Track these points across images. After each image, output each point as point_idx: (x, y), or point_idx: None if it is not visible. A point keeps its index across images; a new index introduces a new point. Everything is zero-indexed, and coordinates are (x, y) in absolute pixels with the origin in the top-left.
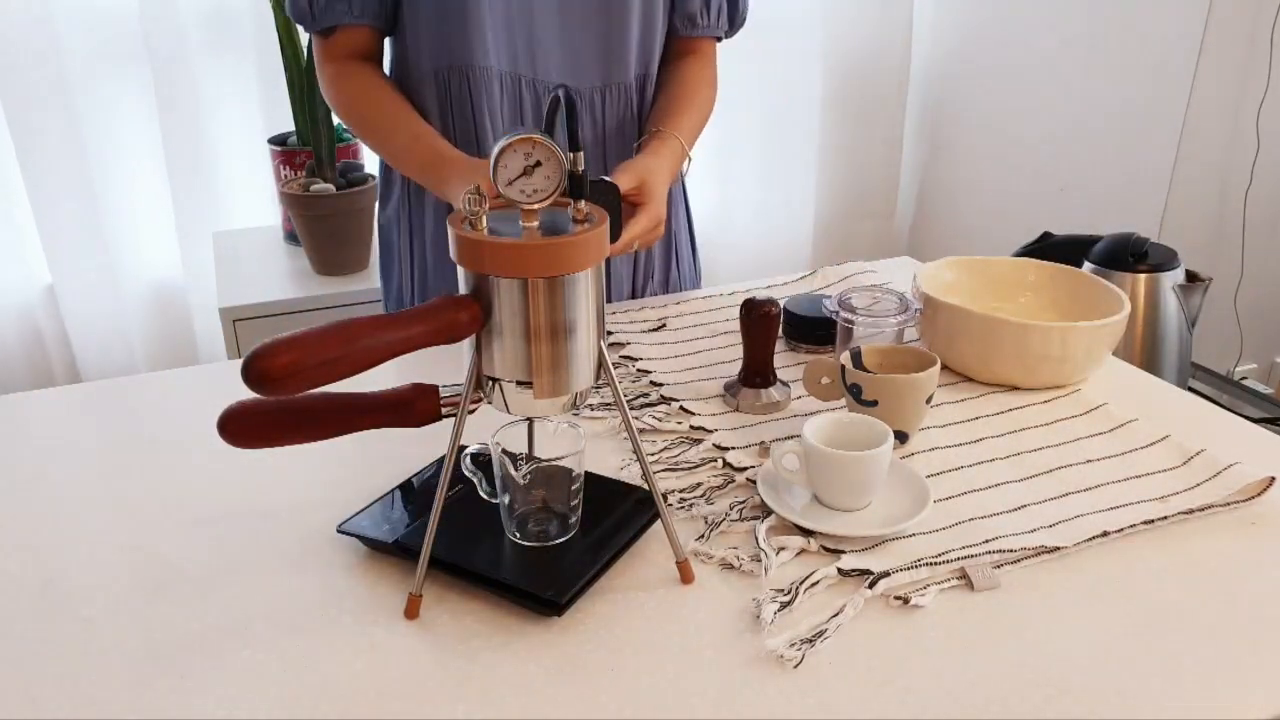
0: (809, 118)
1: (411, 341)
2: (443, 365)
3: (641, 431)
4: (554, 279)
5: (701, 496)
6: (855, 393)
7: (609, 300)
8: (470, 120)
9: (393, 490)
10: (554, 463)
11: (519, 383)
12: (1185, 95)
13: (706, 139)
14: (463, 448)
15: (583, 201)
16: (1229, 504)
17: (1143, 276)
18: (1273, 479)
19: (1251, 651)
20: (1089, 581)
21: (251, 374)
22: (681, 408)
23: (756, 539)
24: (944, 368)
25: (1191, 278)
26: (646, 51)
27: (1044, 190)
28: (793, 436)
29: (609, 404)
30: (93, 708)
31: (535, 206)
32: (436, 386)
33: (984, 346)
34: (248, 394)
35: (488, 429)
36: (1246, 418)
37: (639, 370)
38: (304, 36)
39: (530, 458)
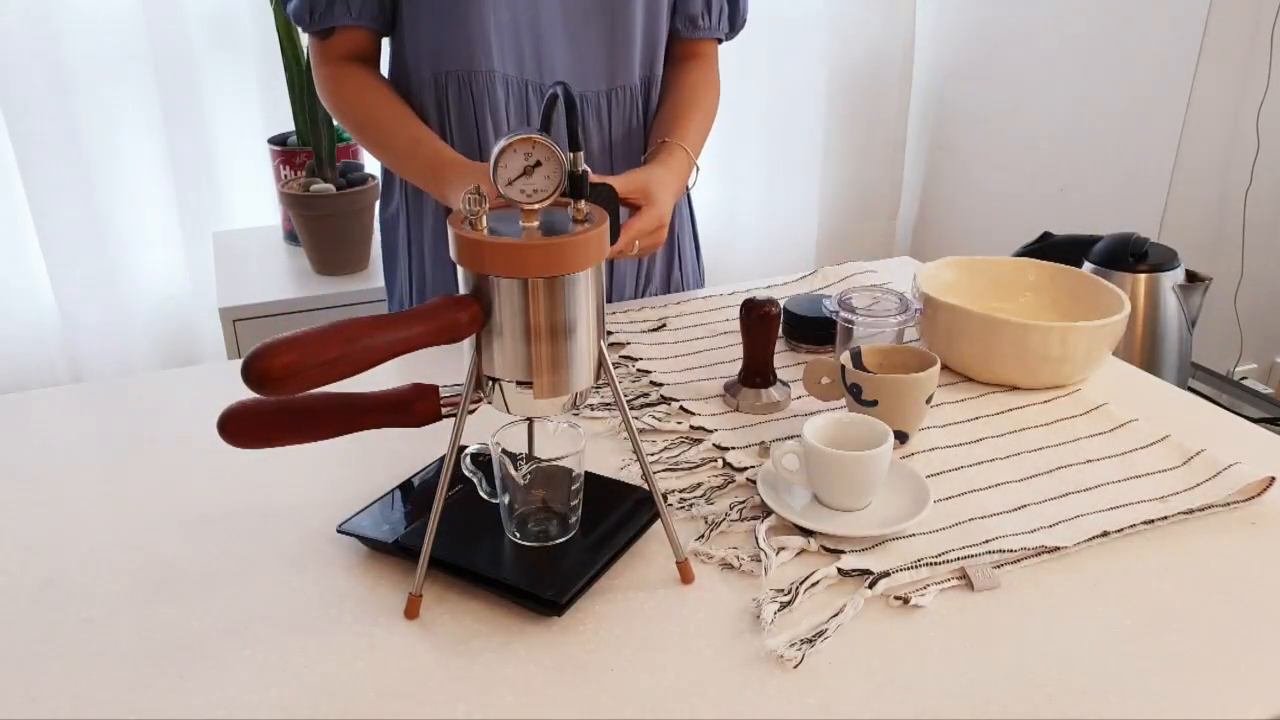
0: (813, 119)
1: (411, 342)
2: (443, 365)
3: (641, 431)
4: (554, 279)
5: (701, 496)
6: (855, 393)
7: (610, 301)
8: (472, 124)
9: (393, 490)
10: (554, 463)
11: (519, 383)
12: (1185, 95)
13: (710, 140)
14: (463, 448)
15: (583, 201)
16: (1229, 504)
17: (1143, 276)
18: (1273, 479)
19: (1251, 651)
20: (1089, 581)
21: (251, 374)
22: (681, 408)
23: (756, 539)
24: (944, 368)
25: (1191, 278)
26: (651, 54)
27: (1044, 190)
28: (793, 436)
29: (609, 404)
30: (93, 708)
31: (535, 206)
32: (436, 386)
33: (984, 346)
34: (248, 394)
35: (488, 429)
36: (1246, 418)
37: (639, 370)
38: (304, 37)
39: (530, 458)
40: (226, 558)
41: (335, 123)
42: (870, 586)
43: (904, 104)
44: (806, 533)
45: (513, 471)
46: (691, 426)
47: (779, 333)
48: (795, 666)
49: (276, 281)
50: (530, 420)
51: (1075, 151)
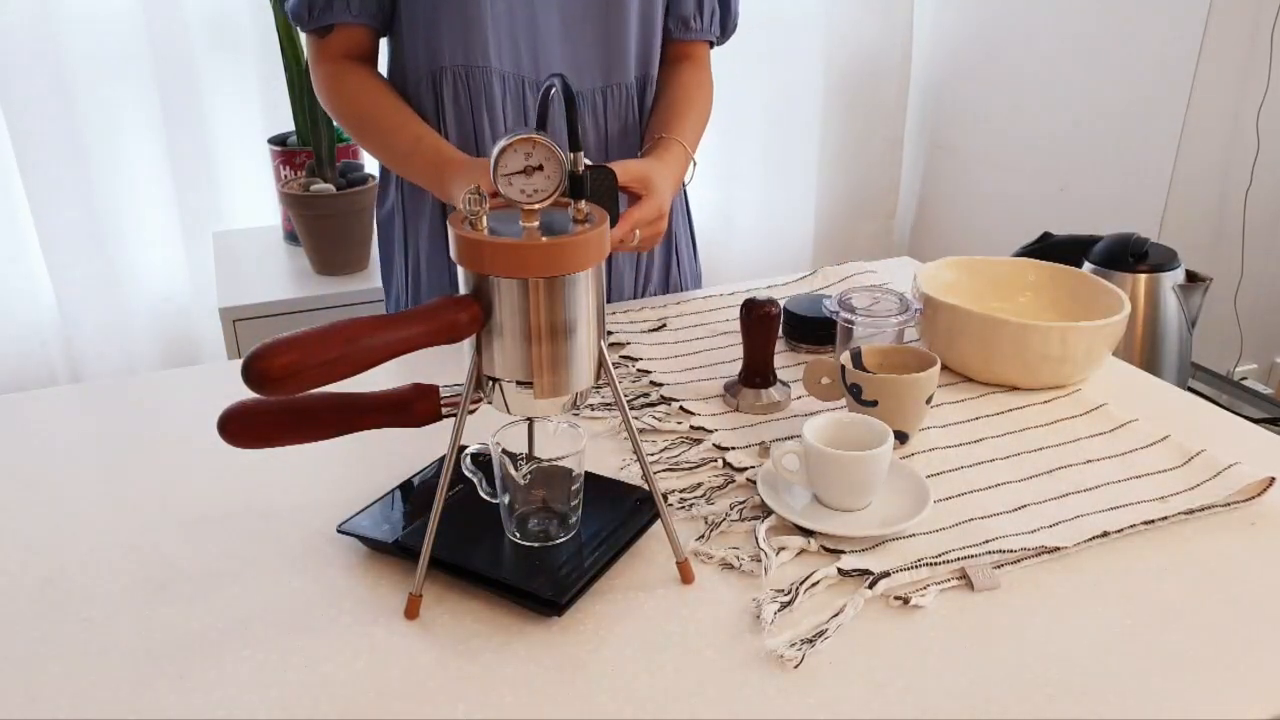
0: (810, 117)
1: (411, 342)
2: (443, 365)
3: (641, 431)
4: (554, 279)
5: (701, 496)
6: (855, 393)
7: (609, 300)
8: (469, 121)
9: (393, 490)
10: (554, 463)
11: (519, 383)
12: (1185, 95)
13: (707, 139)
14: (463, 448)
15: (583, 201)
16: (1229, 504)
17: (1143, 276)
18: (1273, 479)
19: (1251, 651)
20: (1089, 581)
21: (251, 374)
22: (681, 408)
23: (756, 539)
24: (944, 368)
25: (1191, 278)
26: (646, 52)
27: (1044, 190)
28: (793, 436)
29: (609, 404)
30: (93, 708)
31: (535, 206)
32: (436, 386)
33: (984, 346)
34: (248, 394)
35: (488, 429)
36: (1246, 418)
37: (639, 370)
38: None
39: (530, 458)
40: (226, 558)
41: (335, 122)
42: (870, 586)
43: (901, 103)
44: (806, 533)
45: (513, 471)
46: (691, 426)
47: (779, 333)
48: (795, 666)
49: (276, 281)
50: (530, 420)
51: (1075, 151)
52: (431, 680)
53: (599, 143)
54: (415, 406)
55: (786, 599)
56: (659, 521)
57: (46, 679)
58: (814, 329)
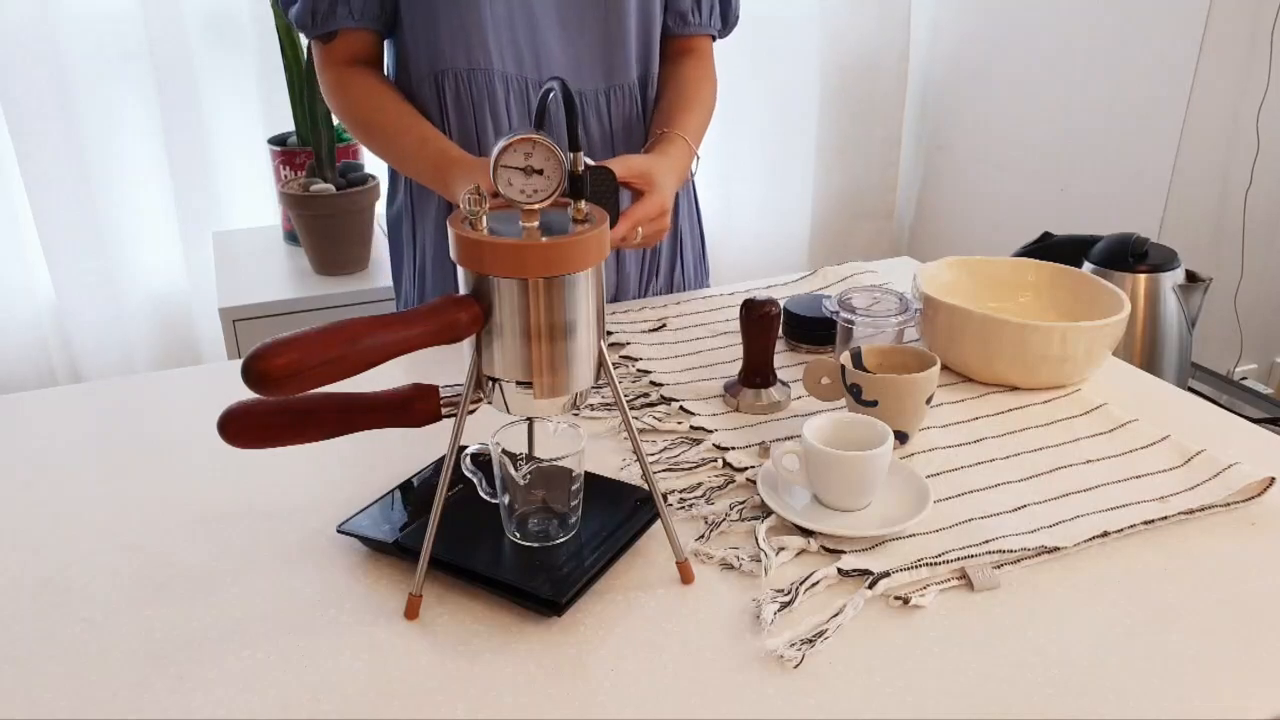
0: (807, 117)
1: (412, 342)
2: (443, 365)
3: (641, 431)
4: (554, 279)
5: (701, 496)
6: (855, 393)
7: (616, 298)
8: (471, 122)
9: (393, 490)
10: (554, 463)
11: (519, 383)
12: (1185, 95)
13: (705, 138)
14: (463, 448)
15: (583, 201)
16: (1229, 504)
17: (1143, 276)
18: (1273, 479)
19: (1251, 651)
20: (1089, 581)
21: (251, 374)
22: (681, 408)
23: (756, 539)
24: (944, 368)
25: (1191, 278)
26: (646, 52)
27: (1044, 190)
28: (793, 436)
29: (609, 404)
30: (93, 708)
31: (535, 206)
32: (436, 386)
33: (984, 346)
34: (248, 394)
35: (488, 429)
36: (1246, 418)
37: (639, 370)
38: (304, 38)
39: (530, 458)
40: (226, 558)
41: (335, 122)
42: (870, 587)
43: (899, 102)
44: (806, 533)
45: (513, 471)
46: (691, 426)
47: (779, 333)
48: (795, 666)
49: (276, 281)
50: (530, 420)
51: (1075, 151)
52: (431, 680)
53: (603, 141)
54: (415, 406)
55: (786, 599)
56: (659, 521)
57: (46, 679)
58: (814, 329)
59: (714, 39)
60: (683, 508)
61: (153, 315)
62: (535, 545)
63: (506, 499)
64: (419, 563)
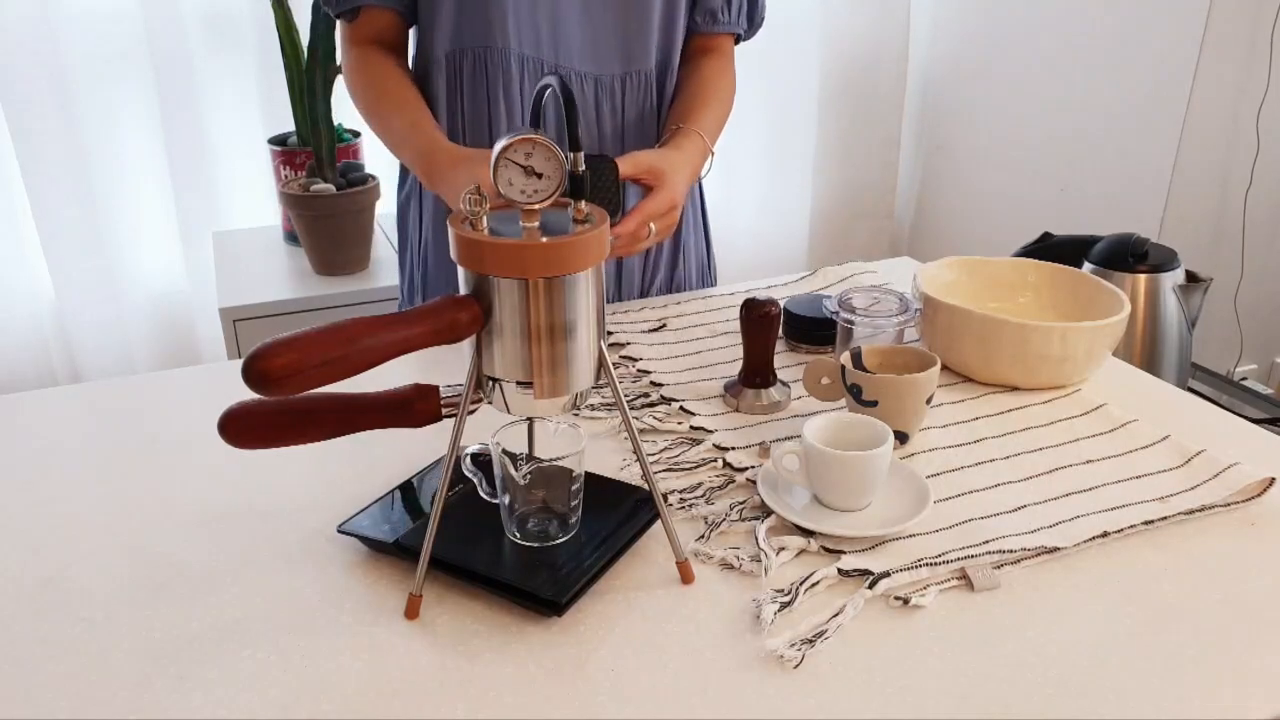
0: (807, 117)
1: (412, 342)
2: (443, 365)
3: (641, 431)
4: (554, 279)
5: (701, 497)
6: (855, 393)
7: (620, 296)
8: (484, 103)
9: (393, 490)
10: (554, 463)
11: (519, 383)
12: (1185, 95)
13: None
14: (463, 448)
15: (583, 201)
16: (1229, 504)
17: (1143, 276)
18: (1273, 479)
19: (1251, 651)
20: (1089, 581)
21: (251, 374)
22: (681, 408)
23: (756, 539)
24: (944, 368)
25: (1191, 278)
26: (668, 40)
27: (1044, 190)
28: (793, 437)
29: (609, 404)
30: (93, 708)
31: (535, 206)
32: (437, 387)
33: (984, 346)
34: (248, 394)
35: (488, 429)
36: (1246, 418)
37: (639, 370)
38: (304, 37)
39: (530, 458)
40: (226, 558)
41: (335, 122)
42: (870, 587)
43: (898, 102)
44: (806, 533)
45: (513, 471)
46: (691, 426)
47: (779, 333)
48: (795, 666)
49: (276, 281)
50: (530, 420)
51: (1075, 151)
52: (431, 680)
53: (615, 130)
54: (415, 406)
55: (786, 599)
56: (659, 521)
57: (46, 679)
58: (814, 329)
59: (737, 41)
60: (683, 508)
61: (153, 315)
62: (535, 545)
63: (506, 499)
64: (419, 563)
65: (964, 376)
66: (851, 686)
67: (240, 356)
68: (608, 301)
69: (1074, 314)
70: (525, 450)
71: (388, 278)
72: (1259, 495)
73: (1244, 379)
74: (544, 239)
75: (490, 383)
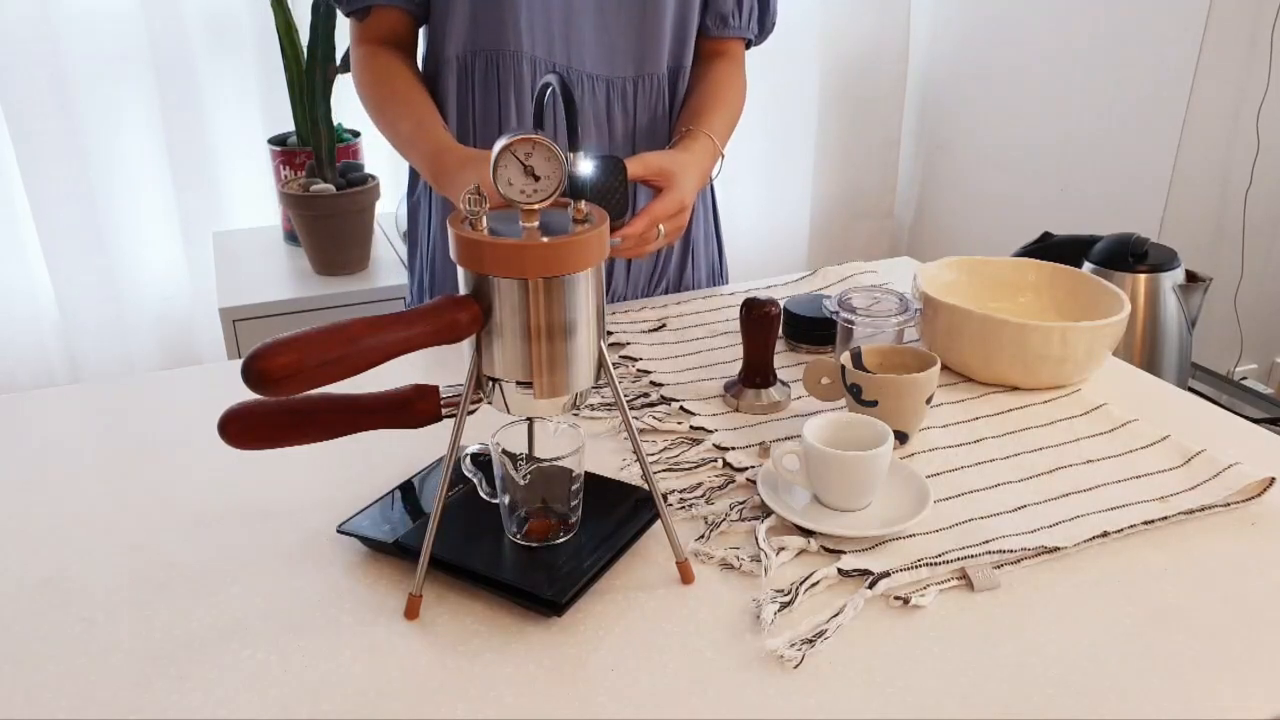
0: (807, 117)
1: (412, 342)
2: (443, 365)
3: (641, 431)
4: (554, 279)
5: (701, 497)
6: (855, 393)
7: (624, 296)
8: (495, 105)
9: (393, 490)
10: (554, 463)
11: (519, 383)
12: (1185, 95)
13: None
14: (463, 448)
15: (583, 201)
16: (1229, 504)
17: (1143, 276)
18: (1273, 479)
19: (1251, 651)
20: (1089, 581)
21: (251, 374)
22: (681, 408)
23: (756, 539)
24: (944, 368)
25: (1191, 278)
26: (680, 44)
27: (1044, 190)
28: (793, 437)
29: (609, 404)
30: (93, 708)
31: (535, 206)
32: (437, 387)
33: (984, 346)
34: (248, 394)
35: (488, 429)
36: (1246, 418)
37: (639, 370)
38: (304, 38)
39: (530, 458)
40: (226, 558)
41: (335, 122)
42: (870, 587)
43: (898, 103)
44: (806, 533)
45: (513, 471)
46: (691, 426)
47: (779, 333)
48: (795, 666)
49: (276, 281)
50: (530, 420)
51: (1075, 152)
52: (431, 680)
53: (627, 133)
54: (415, 407)
55: (786, 599)
56: (659, 521)
57: (46, 679)
58: (814, 329)
59: (748, 45)
60: (683, 508)
61: (153, 315)
62: (535, 545)
63: (506, 499)
64: (419, 563)
65: (964, 376)
66: (851, 686)
67: (240, 356)
68: (617, 302)
69: (1074, 314)
70: (525, 450)
71: (388, 278)
72: (1259, 495)
73: (1244, 379)
74: (544, 239)
75: (490, 383)
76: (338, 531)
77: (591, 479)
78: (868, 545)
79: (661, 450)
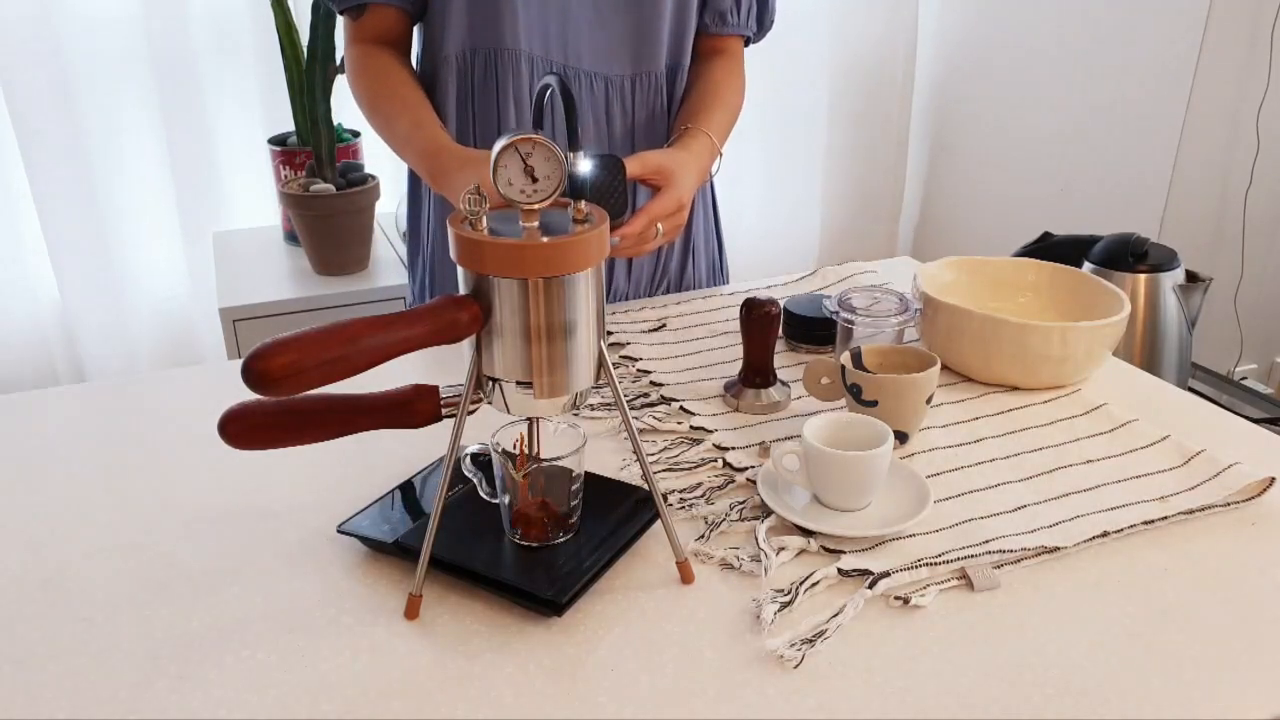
0: (814, 120)
1: (412, 342)
2: (443, 365)
3: (641, 431)
4: (553, 279)
5: (701, 496)
6: (855, 393)
7: (626, 296)
8: (494, 103)
9: (393, 490)
10: (554, 463)
11: (519, 383)
12: (1185, 95)
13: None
14: (463, 448)
15: (583, 201)
16: (1229, 504)
17: (1143, 276)
18: (1273, 479)
19: (1251, 651)
20: (1089, 581)
21: (251, 374)
22: (681, 408)
23: (756, 539)
24: (944, 368)
25: (1191, 278)
26: (678, 42)
27: (1044, 190)
28: (793, 436)
29: (609, 404)
30: (93, 708)
31: (535, 206)
32: (437, 387)
33: (984, 346)
34: (248, 394)
35: (488, 429)
36: (1246, 418)
37: (639, 370)
38: (304, 38)
39: (530, 458)
40: (226, 558)
41: (335, 122)
42: (870, 587)
43: (906, 104)
44: (806, 533)
45: (513, 471)
46: (691, 426)
47: (779, 333)
48: (795, 666)
49: (276, 281)
50: (530, 420)
51: (1075, 151)
52: (431, 680)
53: (626, 131)
54: (415, 407)
55: (786, 599)
56: (659, 521)
57: (46, 679)
58: (814, 329)
59: (747, 43)
60: (683, 508)
61: (154, 315)
62: (535, 545)
63: (506, 499)
64: (419, 563)
65: (964, 376)
66: (851, 686)
67: (240, 356)
68: (619, 301)
69: (1074, 314)
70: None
71: (388, 278)
72: (1259, 495)
73: (1244, 379)
74: (544, 239)
75: (490, 383)
76: (338, 531)
77: (591, 479)
78: (868, 545)
79: (661, 450)
